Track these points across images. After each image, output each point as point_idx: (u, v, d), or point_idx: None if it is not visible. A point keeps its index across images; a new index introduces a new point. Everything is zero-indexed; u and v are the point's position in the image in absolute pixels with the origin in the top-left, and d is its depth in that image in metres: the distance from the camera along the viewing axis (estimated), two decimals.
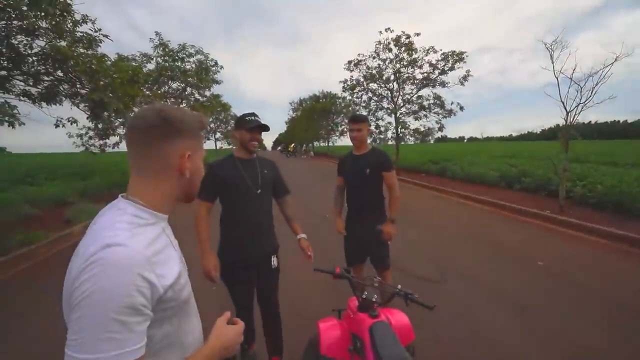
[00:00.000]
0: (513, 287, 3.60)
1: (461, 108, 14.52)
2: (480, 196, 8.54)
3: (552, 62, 6.42)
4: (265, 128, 2.06)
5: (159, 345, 0.68)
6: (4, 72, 5.45)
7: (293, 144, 44.74)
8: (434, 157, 16.45)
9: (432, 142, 17.95)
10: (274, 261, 2.16)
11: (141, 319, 0.59)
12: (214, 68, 14.14)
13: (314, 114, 32.42)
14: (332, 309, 2.06)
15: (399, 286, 1.78)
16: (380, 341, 1.55)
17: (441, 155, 17.01)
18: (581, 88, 6.18)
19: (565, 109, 6.41)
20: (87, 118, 6.25)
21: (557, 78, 6.41)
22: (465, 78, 14.02)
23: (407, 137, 15.87)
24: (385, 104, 15.83)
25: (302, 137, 39.11)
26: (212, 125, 18.66)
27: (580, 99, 6.20)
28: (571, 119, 6.42)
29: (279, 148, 49.27)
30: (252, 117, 2.02)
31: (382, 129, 16.12)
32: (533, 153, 16.73)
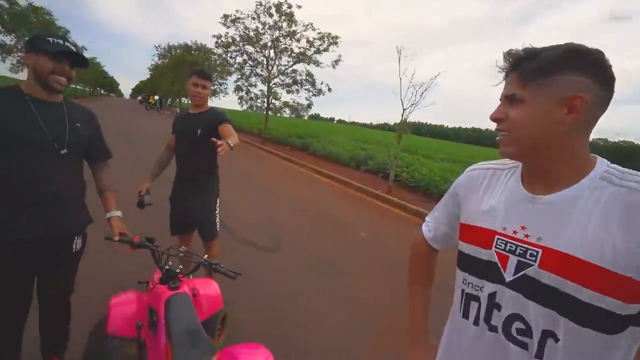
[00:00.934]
0: (335, 255, 4.12)
1: (329, 89, 15.51)
2: (332, 173, 9.45)
3: (399, 65, 7.48)
4: (81, 62, 1.48)
5: None
6: None
7: (157, 97, 38.99)
8: (301, 132, 17.20)
9: (305, 117, 18.76)
10: (77, 243, 1.65)
11: None
12: None
13: (184, 66, 28.84)
14: (139, 280, 1.86)
15: (205, 256, 1.73)
16: (173, 314, 1.47)
17: (308, 132, 17.94)
18: (416, 91, 7.46)
19: (402, 106, 7.66)
20: None
21: (400, 78, 7.53)
22: (337, 62, 14.93)
23: (283, 109, 16.03)
24: (259, 71, 15.42)
25: (167, 89, 34.39)
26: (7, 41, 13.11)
27: (415, 100, 7.52)
28: (405, 115, 7.73)
29: (139, 98, 42.10)
30: (58, 40, 1.41)
31: (253, 95, 15.76)
32: (382, 141, 19.55)
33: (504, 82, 0.75)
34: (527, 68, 0.68)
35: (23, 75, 18.57)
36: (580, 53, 0.65)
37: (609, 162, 0.69)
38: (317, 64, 14.88)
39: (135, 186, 2.38)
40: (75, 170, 1.59)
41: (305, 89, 15.53)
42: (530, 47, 0.70)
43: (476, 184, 0.84)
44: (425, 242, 1.03)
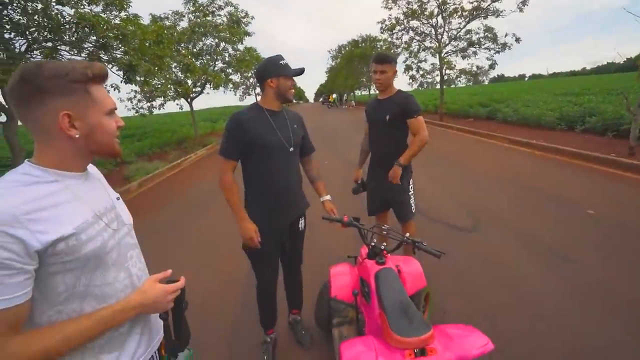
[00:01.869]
0: (554, 236, 3.35)
1: (517, 40, 12.74)
2: (532, 140, 7.77)
3: None
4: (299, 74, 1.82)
5: (65, 295, 0.72)
6: (50, 44, 5.82)
7: (334, 95, 43.58)
8: (484, 99, 15.03)
9: (486, 82, 16.33)
10: (302, 223, 2.03)
11: (8, 272, 0.63)
12: (245, 20, 13.75)
13: (354, 60, 30.78)
14: (348, 255, 2.12)
15: (407, 234, 1.76)
16: (384, 287, 1.58)
17: (494, 97, 15.48)
18: None
19: None
20: (121, 81, 6.55)
21: None
22: (524, 2, 12.08)
23: (457, 79, 14.55)
24: (428, 43, 14.42)
25: (343, 86, 37.77)
26: (252, 80, 18.27)
27: None
28: None
29: (321, 99, 48.37)
30: (286, 62, 1.77)
31: (426, 71, 14.89)
32: (607, 88, 14.50)
33: None
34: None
35: (247, 101, 24.80)
36: None
37: None
38: (496, 14, 12.52)
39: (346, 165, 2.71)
40: (297, 164, 1.94)
41: (485, 48, 13.39)
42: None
43: None
44: None
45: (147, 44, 6.47)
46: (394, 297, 1.51)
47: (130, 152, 9.73)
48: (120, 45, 6.22)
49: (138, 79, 6.60)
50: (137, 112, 10.66)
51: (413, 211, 2.60)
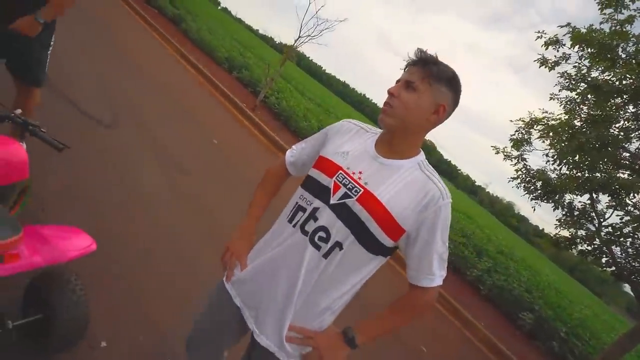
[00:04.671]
0: (182, 152, 3.89)
1: None
2: (200, 65, 8.39)
3: None
4: None
5: None
6: None
7: None
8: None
9: None
10: None
11: None
12: None
13: None
14: None
15: (19, 111, 1.34)
16: None
17: (186, 4, 14.74)
18: (318, 24, 7.26)
19: (300, 32, 7.37)
20: None
21: (310, 1, 7.09)
22: None
23: None
24: None
25: None
26: None
27: (312, 32, 7.32)
28: (298, 42, 7.50)
29: None
30: None
31: None
32: (263, 56, 18.35)
33: (404, 71, 0.97)
34: (430, 69, 0.90)
35: None
36: (458, 80, 0.94)
37: (424, 156, 1.00)
38: None
39: None
40: None
41: None
42: (434, 55, 0.94)
43: (344, 132, 1.07)
44: (284, 166, 1.21)
45: None
46: None
47: None
48: None
49: None
50: None
51: (45, 77, 1.98)
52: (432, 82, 0.89)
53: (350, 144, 1.02)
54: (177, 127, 4.47)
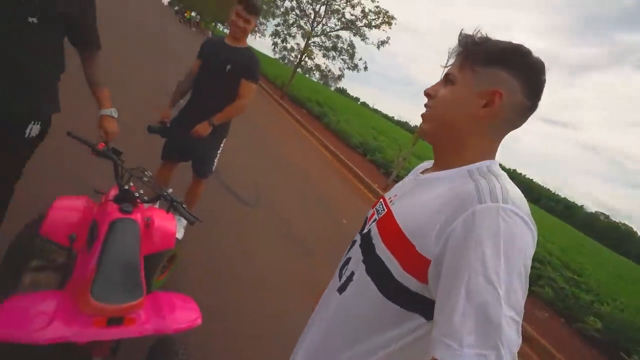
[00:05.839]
0: (310, 234, 4.00)
1: (365, 68, 14.91)
2: (336, 151, 9.22)
3: (444, 68, 7.06)
4: None
5: None
6: None
7: (193, 13, 37.36)
8: (322, 100, 16.71)
9: (332, 88, 18.19)
10: (31, 129, 1.41)
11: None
12: None
13: None
14: (96, 189, 1.70)
15: (170, 190, 1.56)
16: (113, 239, 1.32)
17: (329, 103, 17.45)
18: None
19: None
20: None
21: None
22: (383, 43, 14.23)
23: (313, 71, 15.45)
24: (303, 23, 14.66)
25: (206, 9, 32.90)
26: None
27: None
28: None
29: (176, 8, 40.47)
30: None
31: (289, 47, 15.12)
32: (397, 138, 19.14)
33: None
34: (470, 52, 0.68)
35: None
36: (522, 55, 0.64)
37: (496, 166, 0.66)
38: (363, 37, 14.18)
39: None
40: (47, 44, 1.35)
41: (342, 59, 14.92)
42: (483, 34, 0.68)
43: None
44: None
45: None
46: (118, 254, 1.28)
47: None
48: None
49: None
50: None
51: (212, 171, 2.48)
52: (474, 67, 0.66)
53: None
54: (308, 207, 4.74)
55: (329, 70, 15.46)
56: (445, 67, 0.77)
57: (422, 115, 0.74)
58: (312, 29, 14.24)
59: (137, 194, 1.52)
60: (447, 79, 0.70)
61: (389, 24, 13.67)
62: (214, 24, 36.76)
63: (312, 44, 14.48)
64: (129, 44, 7.97)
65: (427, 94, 0.73)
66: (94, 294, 1.09)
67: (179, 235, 2.41)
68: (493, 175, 0.62)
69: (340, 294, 0.74)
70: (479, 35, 0.68)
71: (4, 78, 1.27)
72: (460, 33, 0.70)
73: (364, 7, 13.62)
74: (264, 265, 2.94)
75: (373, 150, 10.36)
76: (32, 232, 1.48)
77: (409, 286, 0.63)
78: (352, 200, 6.36)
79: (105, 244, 1.30)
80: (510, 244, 0.52)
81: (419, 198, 0.68)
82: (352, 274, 0.73)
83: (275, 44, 15.32)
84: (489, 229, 0.53)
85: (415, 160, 11.93)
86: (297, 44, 15.31)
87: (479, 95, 0.65)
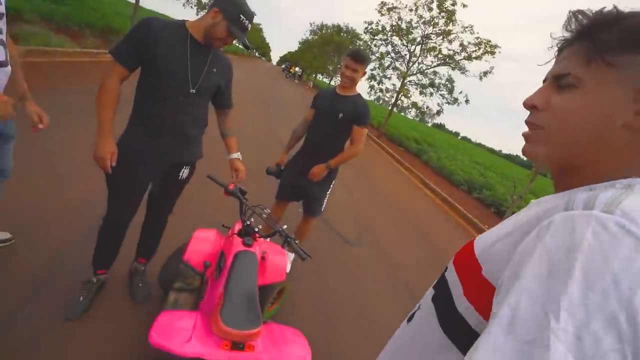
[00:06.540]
0: (416, 279, 3.74)
1: (467, 101, 14.10)
2: (438, 189, 8.66)
3: None
4: (245, 45, 1.58)
5: None
6: None
7: (297, 68, 42.35)
8: (420, 137, 16.30)
9: (429, 124, 17.79)
10: (184, 172, 1.81)
11: None
12: None
13: (329, 45, 30.27)
14: (223, 224, 1.96)
15: (285, 226, 1.69)
16: (237, 269, 1.48)
17: (428, 139, 16.90)
18: None
19: None
20: None
21: None
22: (486, 74, 13.35)
23: (409, 109, 15.43)
24: (398, 65, 14.96)
25: (308, 64, 36.90)
26: None
27: None
28: None
29: (283, 66, 46.62)
30: (246, 21, 1.52)
31: (385, 88, 15.48)
32: (507, 173, 17.09)
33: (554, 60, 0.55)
34: (598, 39, 0.47)
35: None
36: None
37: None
38: (463, 71, 13.62)
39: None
40: (199, 110, 1.68)
41: (440, 94, 14.47)
42: (607, 9, 0.48)
43: None
44: None
45: None
46: (241, 283, 1.42)
47: (35, 10, 7.79)
48: None
49: None
50: None
51: (322, 210, 2.61)
52: (611, 57, 0.46)
53: None
54: (412, 248, 4.48)
55: (427, 107, 15.13)
56: (547, 64, 0.56)
57: (527, 135, 0.56)
58: (408, 69, 14.40)
59: (256, 229, 1.69)
60: (563, 82, 0.51)
61: (492, 53, 12.87)
62: (314, 75, 40.72)
63: (408, 82, 14.56)
64: (247, 99, 9.38)
65: (531, 106, 0.55)
66: (223, 318, 1.22)
67: (287, 269, 2.55)
68: (621, 187, 0.44)
69: (407, 323, 0.68)
70: (600, 12, 0.49)
71: (173, 136, 1.64)
72: (572, 13, 0.51)
73: (462, 41, 13.24)
74: (373, 307, 2.84)
75: (480, 187, 9.43)
76: (178, 258, 1.77)
77: (467, 319, 0.52)
78: (457, 240, 5.78)
79: (231, 273, 1.45)
80: (598, 266, 0.35)
81: (506, 224, 0.55)
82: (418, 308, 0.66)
83: (371, 87, 15.90)
84: (564, 241, 0.38)
85: (533, 198, 10.34)
86: (393, 85, 15.60)
87: (625, 99, 0.45)
